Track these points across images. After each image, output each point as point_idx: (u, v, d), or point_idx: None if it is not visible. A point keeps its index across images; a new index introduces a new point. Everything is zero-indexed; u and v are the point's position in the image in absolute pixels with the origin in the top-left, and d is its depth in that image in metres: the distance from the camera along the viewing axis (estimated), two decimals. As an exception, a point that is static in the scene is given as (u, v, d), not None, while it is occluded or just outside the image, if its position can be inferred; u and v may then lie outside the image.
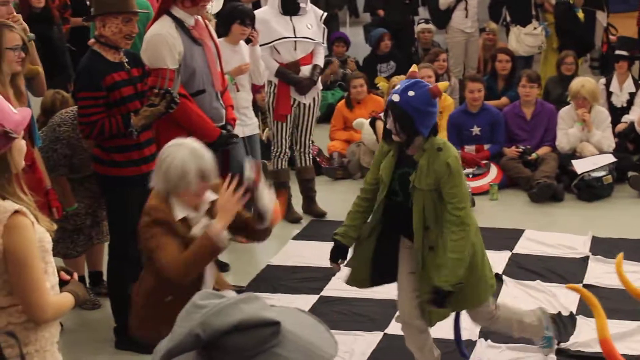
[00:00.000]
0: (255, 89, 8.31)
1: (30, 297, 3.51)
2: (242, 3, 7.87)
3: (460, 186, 5.06)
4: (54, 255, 3.76)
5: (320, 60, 8.41)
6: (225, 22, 7.61)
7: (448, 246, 5.01)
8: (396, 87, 5.09)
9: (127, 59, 5.99)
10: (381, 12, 12.85)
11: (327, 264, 7.39)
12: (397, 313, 5.61)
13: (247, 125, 7.69)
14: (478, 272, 5.23)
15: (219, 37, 7.27)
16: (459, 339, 5.80)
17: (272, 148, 8.43)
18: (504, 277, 7.09)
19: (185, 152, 4.71)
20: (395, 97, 4.96)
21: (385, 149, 5.25)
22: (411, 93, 4.91)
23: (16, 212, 3.47)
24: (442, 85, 5.10)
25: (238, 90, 7.60)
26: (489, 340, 6.12)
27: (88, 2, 10.98)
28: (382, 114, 9.07)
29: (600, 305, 2.72)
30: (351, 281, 5.71)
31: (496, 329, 5.71)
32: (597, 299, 5.48)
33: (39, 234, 3.57)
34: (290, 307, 2.31)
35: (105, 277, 6.77)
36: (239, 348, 2.07)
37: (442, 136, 9.49)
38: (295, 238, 8.15)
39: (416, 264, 5.19)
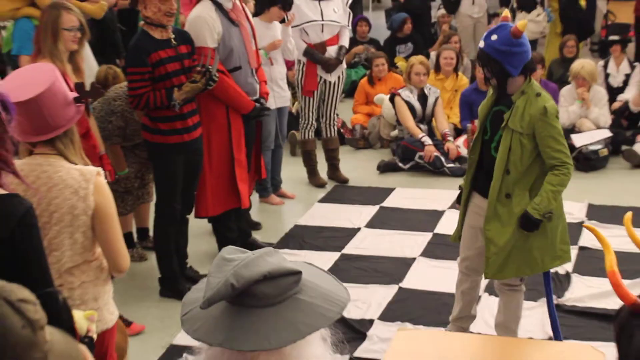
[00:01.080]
0: (287, 66, 8.34)
1: (116, 246, 3.64)
2: None
3: (557, 129, 4.77)
4: None
5: (345, 41, 8.39)
6: (267, 2, 7.58)
7: (547, 178, 4.72)
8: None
9: (174, 36, 6.02)
10: None
11: (348, 224, 7.50)
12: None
13: (281, 97, 7.71)
14: (548, 239, 4.89)
15: (254, 15, 7.28)
16: (554, 322, 5.17)
17: (301, 120, 8.44)
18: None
19: None
20: (481, 44, 4.75)
21: (489, 94, 5.02)
22: (494, 37, 4.67)
23: (98, 173, 3.58)
24: (521, 25, 4.69)
25: (272, 64, 7.61)
26: (492, 296, 6.14)
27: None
28: (400, 90, 9.11)
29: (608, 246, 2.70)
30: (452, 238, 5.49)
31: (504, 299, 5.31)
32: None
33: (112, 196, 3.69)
34: (302, 262, 2.35)
35: (151, 233, 6.84)
36: (267, 295, 2.13)
37: (455, 112, 9.60)
38: (321, 201, 8.14)
39: (488, 210, 4.88)
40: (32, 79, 3.60)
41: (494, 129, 4.88)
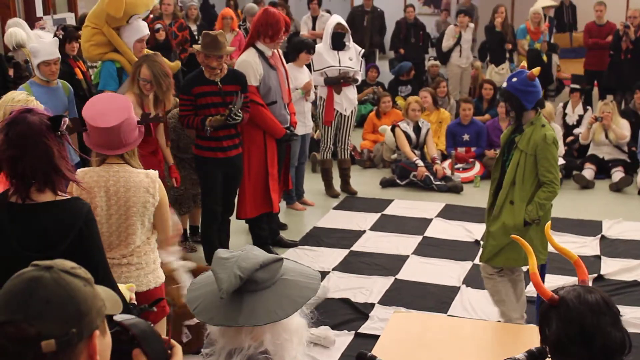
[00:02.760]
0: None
1: (168, 227, 3.87)
2: (306, 37, 7.88)
3: (553, 154, 4.84)
4: None
5: (358, 78, 8.39)
6: (296, 50, 7.63)
7: (537, 192, 4.84)
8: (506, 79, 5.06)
9: (225, 77, 6.02)
10: (402, 51, 12.78)
11: (356, 227, 7.49)
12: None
13: (305, 125, 7.71)
14: (533, 242, 4.84)
15: (287, 61, 7.32)
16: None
17: (321, 144, 8.44)
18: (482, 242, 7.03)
19: None
20: (504, 84, 4.96)
21: (509, 127, 5.16)
22: (514, 79, 4.87)
23: (155, 173, 3.75)
24: (535, 70, 4.89)
25: (306, 100, 7.64)
26: (469, 288, 6.12)
27: (197, 36, 11.05)
28: (399, 123, 9.10)
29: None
30: None
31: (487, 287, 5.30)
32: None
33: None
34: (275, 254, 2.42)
35: (200, 230, 6.86)
36: (264, 279, 2.21)
37: (442, 140, 9.58)
38: (335, 208, 8.11)
39: (495, 211, 4.98)
40: (113, 108, 3.68)
41: (509, 151, 5.00)
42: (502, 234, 4.93)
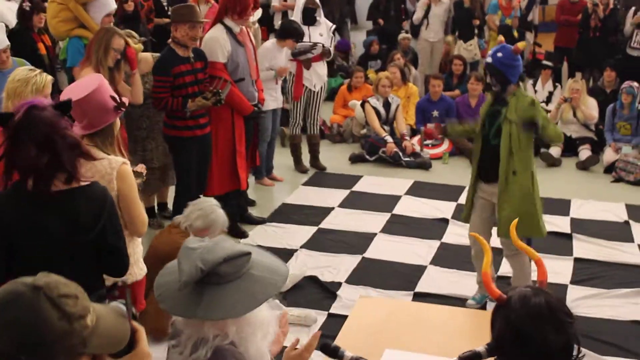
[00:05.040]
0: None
1: (137, 219, 3.66)
2: (297, 22, 7.78)
3: (543, 113, 5.05)
4: None
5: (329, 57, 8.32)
6: (285, 34, 7.53)
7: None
8: (488, 53, 5.12)
9: (193, 55, 5.97)
10: (381, 21, 12.66)
11: (325, 204, 7.47)
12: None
13: (277, 100, 7.64)
14: (532, 208, 5.05)
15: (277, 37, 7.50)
16: None
17: (290, 120, 8.38)
18: (451, 220, 7.07)
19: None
20: (489, 59, 5.00)
21: (488, 99, 5.23)
22: (499, 54, 4.93)
23: (123, 163, 3.58)
24: (520, 45, 5.07)
25: (277, 83, 7.59)
26: (436, 267, 6.14)
27: (167, 7, 10.87)
28: (369, 98, 9.06)
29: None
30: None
31: (512, 265, 5.31)
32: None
33: (134, 179, 3.72)
34: (250, 245, 2.41)
35: (169, 207, 6.78)
36: (228, 273, 2.21)
37: (411, 115, 9.55)
38: (304, 184, 8.08)
39: (500, 184, 5.01)
40: (82, 85, 3.66)
41: (491, 123, 5.05)
42: (513, 204, 5.02)
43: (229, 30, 6.32)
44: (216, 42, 6.24)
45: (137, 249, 3.87)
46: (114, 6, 6.61)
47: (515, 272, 5.28)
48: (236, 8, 6.29)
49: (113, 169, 3.54)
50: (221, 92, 5.96)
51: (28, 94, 4.37)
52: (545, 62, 10.13)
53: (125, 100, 3.74)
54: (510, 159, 4.98)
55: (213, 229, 4.75)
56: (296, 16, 8.05)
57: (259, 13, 7.99)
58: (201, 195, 6.32)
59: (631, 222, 7.06)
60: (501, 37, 5.57)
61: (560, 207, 7.37)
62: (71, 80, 6.62)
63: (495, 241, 5.29)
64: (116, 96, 3.68)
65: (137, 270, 3.87)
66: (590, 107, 9.02)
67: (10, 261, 3.03)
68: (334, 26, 8.42)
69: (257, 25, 9.07)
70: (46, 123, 2.84)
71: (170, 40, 6.04)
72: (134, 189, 3.64)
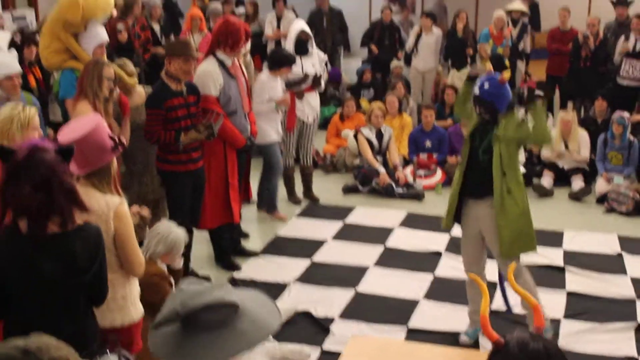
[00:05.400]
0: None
1: (134, 260, 3.63)
2: (285, 49, 7.82)
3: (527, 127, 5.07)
4: None
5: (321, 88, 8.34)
6: (278, 63, 7.50)
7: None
8: (476, 84, 5.14)
9: (186, 88, 5.97)
10: (374, 49, 12.70)
11: (319, 236, 7.44)
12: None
13: (278, 132, 7.64)
14: (528, 224, 5.12)
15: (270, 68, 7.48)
16: (504, 293, 5.50)
17: (283, 151, 8.34)
18: (444, 253, 7.06)
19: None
20: (476, 91, 5.06)
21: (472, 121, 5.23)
22: (486, 85, 5.01)
23: (120, 203, 3.57)
24: (506, 74, 5.13)
25: (278, 113, 7.59)
26: (430, 300, 6.11)
27: (160, 36, 10.92)
28: (362, 128, 9.08)
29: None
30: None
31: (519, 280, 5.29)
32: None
33: (131, 219, 3.69)
34: (252, 290, 2.38)
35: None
36: (208, 321, 2.19)
37: (404, 145, 9.57)
38: (297, 216, 8.05)
39: (496, 205, 5.05)
40: (79, 124, 3.65)
41: (481, 138, 5.09)
42: (512, 223, 5.05)
43: (221, 63, 6.33)
44: (208, 76, 6.25)
45: (133, 290, 3.82)
46: (105, 37, 6.62)
47: (531, 291, 5.26)
48: (228, 41, 6.31)
49: (110, 209, 3.52)
50: (214, 126, 5.96)
51: (15, 131, 4.38)
52: (536, 91, 10.14)
53: (124, 140, 3.74)
54: (503, 178, 5.03)
55: (176, 249, 4.75)
56: (288, 47, 8.08)
57: (248, 44, 8.01)
58: (194, 229, 6.37)
59: (624, 254, 7.06)
60: (490, 66, 5.60)
61: (553, 239, 7.37)
62: (64, 112, 6.62)
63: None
64: (114, 136, 3.67)
65: (134, 311, 3.82)
66: (581, 138, 9.04)
67: (4, 304, 3.03)
68: (326, 57, 8.45)
69: (249, 57, 9.12)
70: (47, 166, 2.91)
71: (163, 73, 6.04)
72: (131, 229, 3.62)
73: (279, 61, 7.53)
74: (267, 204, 7.89)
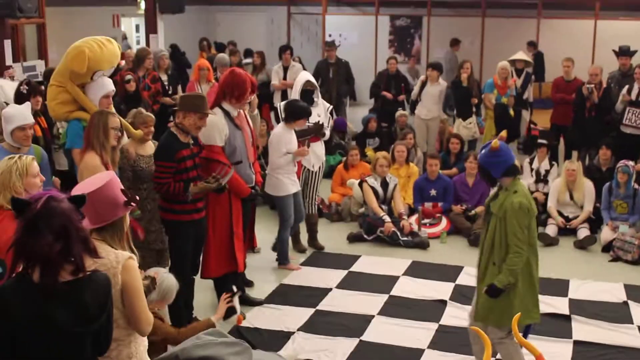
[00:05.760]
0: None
1: (140, 316, 3.45)
2: (301, 101, 7.89)
3: (517, 221, 4.95)
4: None
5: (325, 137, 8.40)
6: (295, 115, 7.56)
7: (506, 260, 4.98)
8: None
9: (192, 140, 6.03)
10: (389, 95, 12.78)
11: (323, 285, 7.42)
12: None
13: (295, 183, 7.70)
14: (523, 301, 5.08)
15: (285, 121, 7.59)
16: None
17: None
18: (449, 302, 7.02)
19: None
20: (479, 157, 5.23)
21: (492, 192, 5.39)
22: (483, 151, 5.16)
23: (129, 257, 3.49)
24: (494, 143, 5.08)
25: (295, 165, 7.66)
26: (434, 351, 6.07)
27: (168, 86, 11.03)
28: (367, 178, 9.12)
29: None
30: None
31: (500, 353, 5.31)
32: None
33: (140, 275, 3.60)
34: (269, 353, 2.36)
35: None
36: None
37: (409, 194, 9.60)
38: (302, 264, 8.03)
39: (480, 273, 5.22)
40: (93, 182, 3.64)
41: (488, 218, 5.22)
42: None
43: (226, 113, 6.40)
44: (214, 126, 6.30)
45: (139, 348, 3.64)
46: (111, 87, 6.70)
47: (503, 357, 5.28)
48: (234, 93, 6.38)
49: (119, 263, 3.43)
50: (222, 179, 6.01)
51: (15, 181, 4.43)
52: (540, 140, 10.19)
53: (137, 197, 3.71)
54: (492, 250, 5.08)
55: (169, 296, 4.93)
56: (294, 97, 8.16)
57: (254, 97, 8.10)
58: (195, 278, 6.37)
59: (630, 302, 7.02)
60: (503, 133, 5.65)
61: (559, 287, 7.34)
62: (71, 161, 6.67)
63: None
64: (127, 191, 3.66)
65: None
66: (587, 191, 9.07)
67: (10, 351, 3.03)
68: (331, 107, 8.53)
69: (256, 111, 9.24)
70: (63, 214, 2.96)
71: (172, 125, 6.08)
72: (139, 283, 3.51)
73: (296, 113, 7.58)
74: (279, 256, 7.92)
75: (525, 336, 5.21)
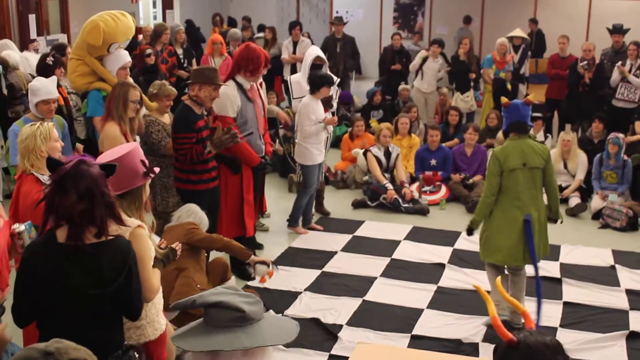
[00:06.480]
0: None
1: (145, 284, 3.39)
2: (327, 72, 7.87)
3: (490, 167, 5.63)
4: None
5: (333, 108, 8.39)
6: (317, 84, 7.53)
7: None
8: None
9: (205, 111, 6.04)
10: (398, 67, 12.72)
11: (328, 248, 7.46)
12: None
13: (321, 153, 7.74)
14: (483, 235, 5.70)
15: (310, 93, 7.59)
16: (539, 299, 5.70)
17: (297, 167, 8.39)
18: (447, 265, 7.06)
19: None
20: None
21: None
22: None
23: (139, 225, 3.47)
24: (504, 101, 5.66)
25: (326, 132, 7.68)
26: (433, 310, 6.12)
27: (183, 59, 11.01)
28: (371, 147, 9.12)
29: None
30: None
31: (516, 282, 5.75)
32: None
33: (150, 244, 3.57)
34: (281, 316, 2.40)
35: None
36: (215, 318, 2.24)
37: (411, 164, 9.60)
38: (309, 229, 8.06)
39: None
40: (117, 151, 3.65)
41: None
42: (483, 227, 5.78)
43: (239, 86, 6.40)
44: (227, 98, 6.30)
45: (150, 311, 3.68)
46: (127, 59, 6.70)
47: (512, 289, 5.73)
48: (249, 66, 6.36)
49: (127, 230, 3.38)
50: (235, 132, 6.05)
51: (40, 145, 4.48)
52: (535, 113, 10.15)
53: (156, 169, 3.70)
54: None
55: (203, 224, 5.52)
56: (304, 71, 8.13)
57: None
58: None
59: (617, 266, 7.04)
60: (531, 97, 5.93)
61: (551, 252, 7.32)
62: (92, 130, 6.70)
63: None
64: (147, 162, 3.66)
65: (151, 330, 3.69)
66: (580, 161, 9.06)
67: (36, 308, 3.06)
68: (338, 80, 8.50)
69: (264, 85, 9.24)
70: (91, 177, 2.97)
71: (186, 97, 6.08)
72: (145, 252, 3.46)
73: (319, 82, 7.55)
74: (290, 218, 7.94)
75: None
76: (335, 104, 8.39)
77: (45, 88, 5.87)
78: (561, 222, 5.93)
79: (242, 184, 6.49)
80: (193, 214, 5.52)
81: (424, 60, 11.71)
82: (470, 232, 5.80)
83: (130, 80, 6.45)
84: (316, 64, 8.09)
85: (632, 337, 5.65)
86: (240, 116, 6.37)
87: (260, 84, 7.06)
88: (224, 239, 5.53)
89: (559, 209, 5.89)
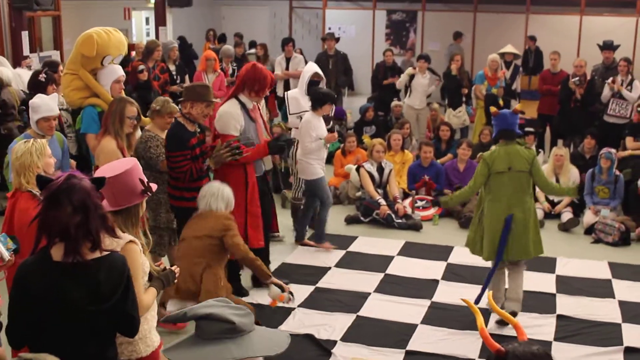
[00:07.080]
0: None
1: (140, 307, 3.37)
2: (280, 76, 7.91)
3: (478, 168, 6.09)
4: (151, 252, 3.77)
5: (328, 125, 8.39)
6: (320, 101, 7.55)
7: None
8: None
9: (199, 129, 6.04)
10: (393, 80, 12.70)
11: (323, 264, 7.45)
12: None
13: (323, 168, 7.75)
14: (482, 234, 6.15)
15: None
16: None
17: (293, 183, 8.38)
18: (440, 280, 7.07)
19: None
20: None
21: None
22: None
23: (131, 241, 3.46)
24: (492, 110, 6.22)
25: (326, 148, 7.71)
26: (426, 326, 6.11)
27: (175, 76, 11.04)
28: (364, 163, 9.13)
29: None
30: None
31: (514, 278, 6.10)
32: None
33: (143, 260, 3.56)
34: (272, 329, 2.42)
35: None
36: (205, 330, 2.27)
37: (404, 179, 9.62)
38: (302, 245, 8.06)
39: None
40: (116, 167, 3.65)
41: None
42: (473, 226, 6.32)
43: (242, 105, 6.36)
44: (231, 117, 6.26)
45: (143, 326, 3.63)
46: (121, 72, 6.72)
47: (511, 285, 6.08)
48: (254, 86, 6.33)
49: (119, 245, 3.37)
50: (239, 143, 6.05)
51: (36, 161, 4.48)
52: (527, 128, 10.22)
53: (154, 186, 3.70)
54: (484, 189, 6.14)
55: (230, 204, 5.57)
56: (301, 87, 8.13)
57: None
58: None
59: (613, 279, 7.07)
60: (518, 106, 6.41)
61: (547, 264, 7.39)
62: (84, 145, 6.69)
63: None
64: (145, 180, 3.65)
65: (144, 347, 3.65)
66: (572, 177, 9.11)
67: (32, 327, 3.04)
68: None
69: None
70: (84, 190, 2.97)
71: (179, 114, 6.07)
72: (138, 268, 3.46)
73: (322, 99, 7.58)
74: (316, 235, 7.95)
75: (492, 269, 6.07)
76: (330, 121, 8.41)
77: (46, 105, 5.86)
78: (579, 190, 6.72)
79: (246, 196, 6.38)
80: (220, 197, 5.50)
81: (412, 77, 11.76)
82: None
83: (123, 94, 6.47)
84: (313, 81, 8.11)
85: (628, 351, 5.65)
86: (242, 135, 6.32)
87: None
88: (250, 255, 5.47)
89: (568, 191, 6.68)
